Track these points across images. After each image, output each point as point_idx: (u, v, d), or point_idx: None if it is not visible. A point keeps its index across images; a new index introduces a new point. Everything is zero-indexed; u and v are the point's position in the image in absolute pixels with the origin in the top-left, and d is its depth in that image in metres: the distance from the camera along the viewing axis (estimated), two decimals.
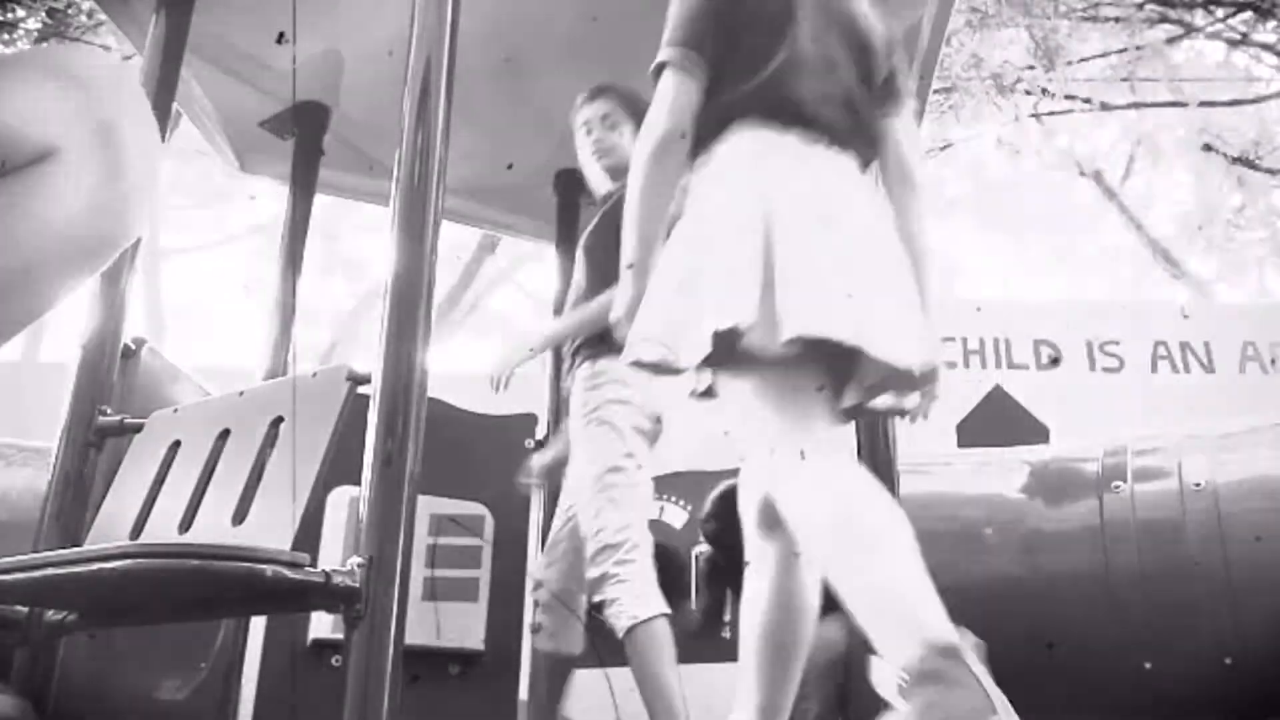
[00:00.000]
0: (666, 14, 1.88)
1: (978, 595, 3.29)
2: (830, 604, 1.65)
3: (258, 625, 3.37)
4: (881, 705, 1.43)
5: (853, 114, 1.83)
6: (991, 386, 6.34)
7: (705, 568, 3.42)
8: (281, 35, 3.46)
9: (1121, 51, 9.32)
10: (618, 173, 2.76)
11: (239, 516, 1.98)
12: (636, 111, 2.49)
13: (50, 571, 1.75)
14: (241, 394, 2.26)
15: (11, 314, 0.95)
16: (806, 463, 1.58)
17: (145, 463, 2.31)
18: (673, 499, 3.55)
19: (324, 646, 3.25)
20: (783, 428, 1.63)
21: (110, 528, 2.24)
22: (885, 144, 1.90)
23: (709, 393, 1.84)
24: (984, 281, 15.32)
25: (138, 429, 2.44)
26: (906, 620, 1.42)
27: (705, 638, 3.30)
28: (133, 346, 2.76)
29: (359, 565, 1.77)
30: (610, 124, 2.87)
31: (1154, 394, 6.41)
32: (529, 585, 3.17)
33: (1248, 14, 9.32)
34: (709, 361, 1.65)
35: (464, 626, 3.43)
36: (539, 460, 3.31)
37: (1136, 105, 10.35)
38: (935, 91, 5.71)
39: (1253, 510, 3.11)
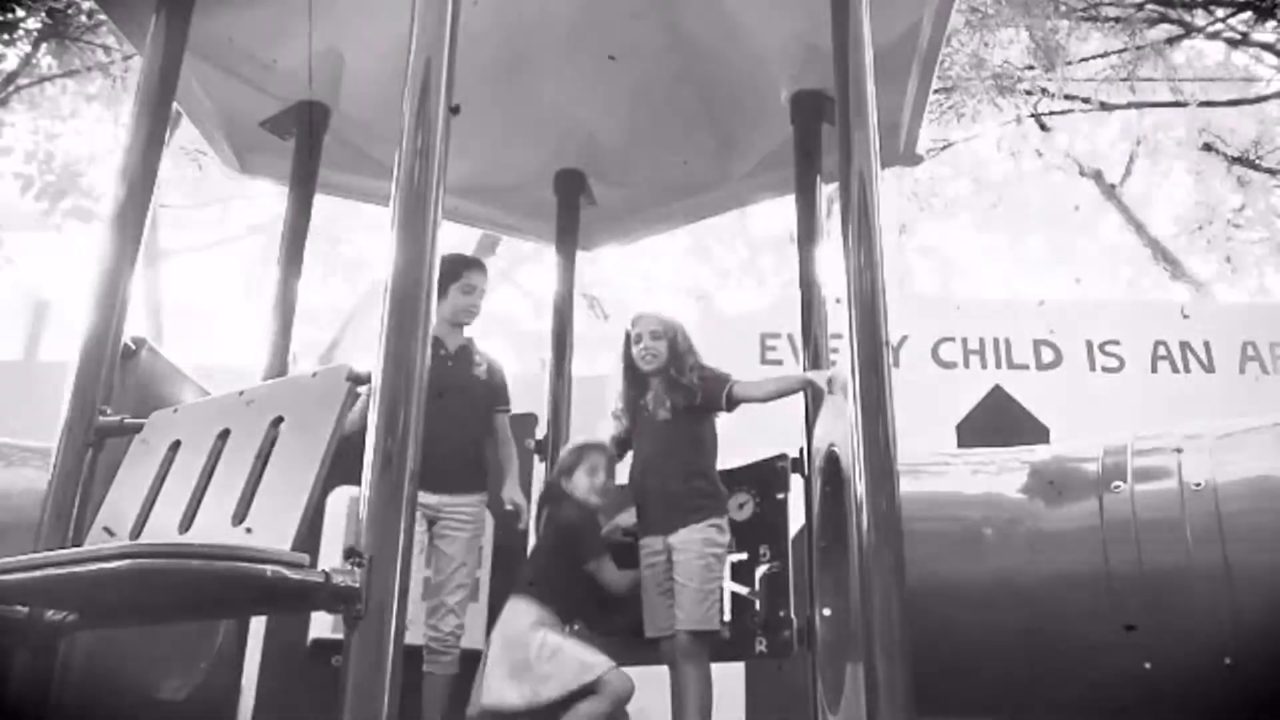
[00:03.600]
0: (664, 15, 1.89)
1: (978, 595, 3.29)
2: None
3: (258, 625, 3.37)
4: None
5: None
6: (991, 386, 6.34)
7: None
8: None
9: (1121, 51, 9.30)
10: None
11: (239, 516, 1.98)
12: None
13: (50, 571, 1.75)
14: (241, 394, 2.25)
15: None
16: None
17: (145, 463, 2.30)
18: None
19: (324, 646, 3.25)
20: None
21: (110, 528, 2.24)
22: None
23: None
24: (984, 281, 15.32)
25: (138, 429, 2.44)
26: None
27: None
28: (133, 346, 2.76)
29: (359, 565, 1.77)
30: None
31: (1154, 394, 6.40)
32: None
33: (1248, 14, 9.31)
34: None
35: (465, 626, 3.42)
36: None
37: (1136, 105, 10.33)
38: (935, 91, 5.71)
39: (1253, 510, 3.10)
